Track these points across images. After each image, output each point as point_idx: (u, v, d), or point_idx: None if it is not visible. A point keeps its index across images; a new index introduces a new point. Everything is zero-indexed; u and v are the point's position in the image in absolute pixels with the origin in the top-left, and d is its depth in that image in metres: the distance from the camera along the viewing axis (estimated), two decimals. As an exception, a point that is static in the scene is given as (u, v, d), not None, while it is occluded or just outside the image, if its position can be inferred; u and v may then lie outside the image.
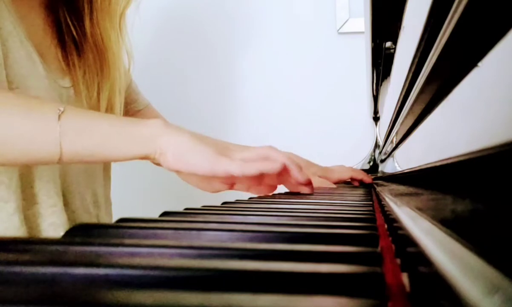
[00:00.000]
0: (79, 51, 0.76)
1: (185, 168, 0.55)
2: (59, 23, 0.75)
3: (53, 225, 0.68)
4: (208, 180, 0.62)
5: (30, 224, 0.67)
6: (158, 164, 0.58)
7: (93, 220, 0.76)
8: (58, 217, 0.68)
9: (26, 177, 0.66)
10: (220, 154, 0.55)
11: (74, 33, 0.75)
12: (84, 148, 0.53)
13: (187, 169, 0.55)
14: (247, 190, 0.65)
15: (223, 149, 0.57)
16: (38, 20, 0.73)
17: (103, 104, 0.76)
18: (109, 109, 0.77)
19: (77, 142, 0.53)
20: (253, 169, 0.54)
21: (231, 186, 0.62)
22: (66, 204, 0.71)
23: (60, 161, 0.54)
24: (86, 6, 0.75)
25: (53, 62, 0.73)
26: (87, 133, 0.53)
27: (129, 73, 0.86)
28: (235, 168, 0.54)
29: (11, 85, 0.63)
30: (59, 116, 0.52)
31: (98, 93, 0.76)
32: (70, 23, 0.75)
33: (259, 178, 0.61)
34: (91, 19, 0.75)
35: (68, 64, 0.75)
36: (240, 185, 0.63)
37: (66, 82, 0.74)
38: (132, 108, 0.91)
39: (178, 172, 0.58)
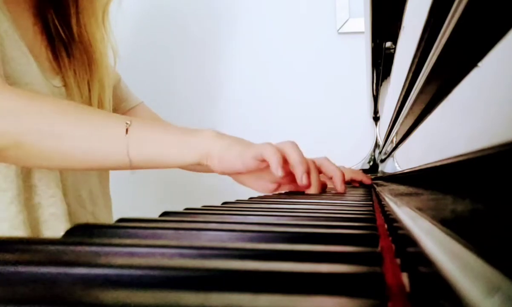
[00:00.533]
0: (68, 52, 0.78)
1: (226, 167, 0.61)
2: (48, 25, 0.78)
3: (53, 215, 0.69)
4: (255, 178, 0.68)
5: (31, 215, 0.68)
6: (206, 170, 0.66)
7: (89, 216, 0.77)
8: (58, 207, 0.70)
9: (25, 167, 0.67)
10: (250, 146, 0.61)
11: (63, 34, 0.78)
12: (149, 157, 0.60)
13: (228, 168, 0.61)
14: (289, 188, 0.70)
15: (252, 144, 0.62)
16: (28, 23, 0.75)
17: (95, 101, 0.79)
18: (100, 105, 0.80)
19: (143, 152, 0.60)
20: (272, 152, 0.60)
21: (278, 186, 0.69)
22: (63, 195, 0.72)
23: (129, 168, 0.61)
24: (72, 7, 0.77)
25: (44, 63, 0.75)
26: (151, 144, 0.60)
27: (116, 69, 0.88)
28: (262, 151, 0.59)
29: (8, 81, 0.64)
30: (127, 130, 0.59)
31: (89, 91, 0.79)
32: (58, 25, 0.77)
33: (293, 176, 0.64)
34: (77, 20, 0.78)
35: (58, 65, 0.77)
36: (283, 184, 0.69)
37: (57, 82, 0.75)
38: (124, 107, 0.92)
39: (227, 173, 0.64)
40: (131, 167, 0.60)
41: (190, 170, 0.93)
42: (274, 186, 0.69)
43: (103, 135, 0.58)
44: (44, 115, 0.56)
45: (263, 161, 0.60)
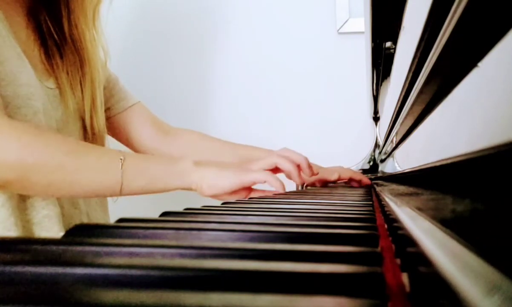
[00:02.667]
0: (61, 53, 0.79)
1: (219, 192, 0.71)
2: (40, 27, 0.79)
3: (47, 217, 0.70)
4: (235, 194, 0.75)
5: (24, 217, 0.68)
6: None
7: (83, 217, 0.77)
8: (51, 209, 0.70)
9: None
10: (242, 170, 0.72)
11: (55, 36, 0.79)
12: (138, 186, 0.69)
13: (222, 192, 0.71)
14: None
15: (241, 168, 0.74)
16: (21, 25, 0.76)
17: (87, 101, 0.81)
18: (92, 104, 0.81)
19: (134, 183, 0.68)
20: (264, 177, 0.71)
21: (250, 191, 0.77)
22: (57, 197, 0.72)
23: (118, 195, 0.69)
24: (64, 9, 0.78)
25: (37, 64, 0.76)
26: (141, 176, 0.69)
27: (106, 68, 0.90)
28: (258, 176, 0.71)
29: (3, 82, 0.64)
30: (122, 164, 0.67)
31: (81, 92, 0.80)
32: (50, 26, 0.79)
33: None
34: (69, 21, 0.79)
35: (51, 66, 0.78)
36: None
37: (50, 83, 0.76)
38: (122, 106, 0.93)
39: (213, 196, 0.73)
40: (121, 194, 0.69)
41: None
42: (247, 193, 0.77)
43: (101, 169, 0.66)
44: (50, 152, 0.62)
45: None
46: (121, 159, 0.67)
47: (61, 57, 0.78)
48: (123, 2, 1.30)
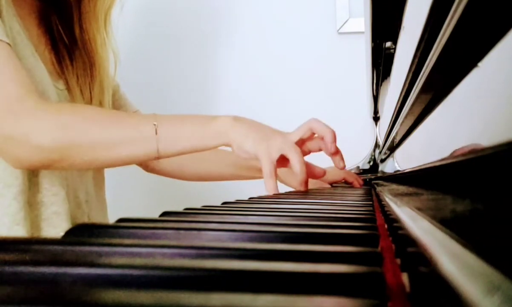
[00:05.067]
0: (71, 56, 0.80)
1: (243, 154, 0.67)
2: (51, 30, 0.79)
3: (55, 213, 0.71)
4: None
5: (33, 212, 0.69)
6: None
7: (84, 218, 0.77)
8: (60, 205, 0.71)
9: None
10: (264, 138, 0.68)
11: (65, 39, 0.80)
12: (176, 149, 0.68)
13: (244, 155, 0.67)
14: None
15: (269, 133, 0.70)
16: (33, 27, 0.77)
17: (96, 103, 0.81)
18: (101, 106, 0.82)
19: (172, 147, 0.67)
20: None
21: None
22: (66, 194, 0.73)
23: (158, 159, 0.69)
24: (75, 13, 0.79)
25: (48, 65, 0.77)
26: (177, 139, 0.67)
27: (115, 74, 0.90)
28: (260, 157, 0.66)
29: None
30: (156, 130, 0.66)
31: (90, 93, 0.81)
32: (61, 30, 0.79)
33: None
34: (80, 24, 0.79)
35: (61, 68, 0.79)
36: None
37: (60, 84, 0.77)
38: None
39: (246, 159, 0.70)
40: (160, 158, 0.68)
41: (234, 179, 0.99)
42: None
43: (138, 139, 0.66)
44: (87, 129, 0.63)
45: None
46: (155, 124, 0.66)
47: (71, 60, 0.79)
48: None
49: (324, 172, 0.78)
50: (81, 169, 0.72)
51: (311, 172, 0.74)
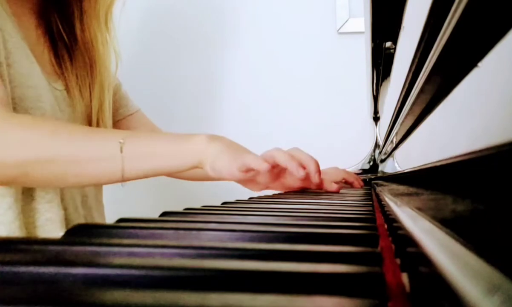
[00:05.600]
0: (71, 55, 0.78)
1: (215, 175, 0.61)
2: (51, 29, 0.78)
3: (49, 220, 0.69)
4: (245, 182, 0.68)
5: (27, 219, 0.68)
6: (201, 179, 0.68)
7: (81, 220, 0.76)
8: (55, 212, 0.69)
9: None
10: (236, 158, 0.60)
11: (65, 37, 0.78)
12: (143, 171, 0.63)
13: (218, 176, 0.61)
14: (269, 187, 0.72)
15: (243, 153, 0.62)
16: (31, 25, 0.75)
17: (95, 104, 0.80)
18: (100, 108, 0.80)
19: (138, 168, 0.62)
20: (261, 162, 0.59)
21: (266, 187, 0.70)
22: (60, 200, 0.72)
23: (122, 181, 0.63)
24: (76, 11, 0.77)
25: (46, 66, 0.75)
26: (145, 159, 0.62)
27: (116, 73, 0.88)
28: (248, 162, 0.59)
29: (12, 84, 0.64)
30: (121, 148, 0.61)
31: (90, 94, 0.79)
32: (61, 28, 0.77)
33: (277, 176, 0.68)
34: (81, 23, 0.78)
35: (61, 68, 0.77)
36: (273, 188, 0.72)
37: (59, 85, 0.76)
38: (122, 113, 0.92)
39: (222, 180, 0.64)
40: (126, 180, 0.63)
41: (186, 178, 0.95)
42: (262, 187, 0.70)
43: (101, 157, 0.61)
44: (46, 145, 0.59)
45: (250, 170, 0.60)
46: (120, 142, 0.61)
47: (71, 59, 0.78)
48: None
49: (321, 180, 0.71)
50: (48, 187, 0.67)
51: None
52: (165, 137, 0.66)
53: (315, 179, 0.66)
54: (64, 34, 0.78)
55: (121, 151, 0.61)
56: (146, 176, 0.64)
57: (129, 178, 0.63)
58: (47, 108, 0.69)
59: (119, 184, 0.66)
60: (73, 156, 0.60)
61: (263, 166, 0.58)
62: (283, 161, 0.63)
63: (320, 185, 0.69)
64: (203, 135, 0.63)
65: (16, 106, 0.65)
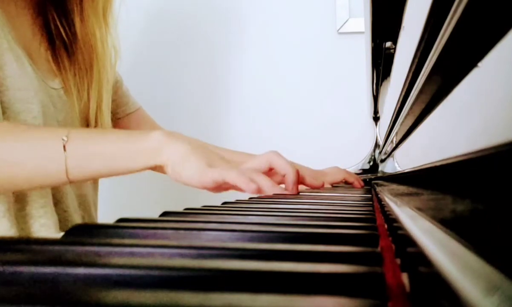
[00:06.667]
0: (69, 53, 0.76)
1: (179, 180, 0.57)
2: (48, 25, 0.75)
3: (44, 225, 0.67)
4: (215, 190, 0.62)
5: (21, 226, 0.67)
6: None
7: (79, 221, 0.76)
8: (49, 217, 0.68)
9: None
10: (210, 165, 0.56)
11: (64, 34, 0.76)
12: (90, 171, 0.58)
13: (181, 182, 0.57)
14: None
15: (216, 160, 0.58)
16: (26, 22, 0.73)
17: (93, 103, 0.78)
18: (98, 106, 0.78)
19: (85, 167, 0.57)
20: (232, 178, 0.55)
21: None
22: (57, 202, 0.71)
23: (68, 183, 0.58)
24: (76, 6, 0.75)
25: (43, 64, 0.73)
26: (93, 158, 0.57)
27: (116, 70, 0.86)
28: (225, 176, 0.54)
29: (1, 88, 0.63)
30: (64, 146, 0.56)
31: (88, 93, 0.77)
32: (59, 24, 0.75)
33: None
34: (81, 19, 0.75)
35: (58, 66, 0.75)
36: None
37: (56, 83, 0.74)
38: (123, 111, 0.91)
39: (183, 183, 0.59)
40: (70, 182, 0.58)
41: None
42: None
43: (43, 154, 0.56)
44: None
45: (227, 184, 0.56)
46: (63, 139, 0.56)
47: (69, 57, 0.76)
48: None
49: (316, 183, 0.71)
50: (5, 192, 0.63)
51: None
52: (116, 135, 0.61)
53: (292, 190, 0.62)
54: (62, 31, 0.75)
55: (64, 149, 0.56)
56: (95, 177, 0.61)
57: (75, 179, 0.58)
58: (38, 110, 0.67)
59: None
60: (12, 154, 0.56)
61: (251, 187, 0.54)
62: (283, 169, 0.60)
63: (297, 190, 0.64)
64: (158, 132, 0.58)
65: (7, 110, 0.64)
